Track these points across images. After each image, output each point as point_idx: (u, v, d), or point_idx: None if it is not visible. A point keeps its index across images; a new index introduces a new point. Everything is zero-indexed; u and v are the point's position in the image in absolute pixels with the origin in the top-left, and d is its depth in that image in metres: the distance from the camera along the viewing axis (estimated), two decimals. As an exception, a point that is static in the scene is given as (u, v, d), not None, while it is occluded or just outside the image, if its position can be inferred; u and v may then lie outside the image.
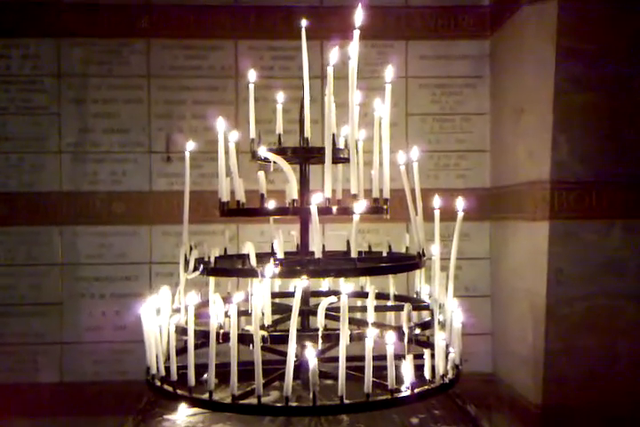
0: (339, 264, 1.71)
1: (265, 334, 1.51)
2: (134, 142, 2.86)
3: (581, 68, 2.29)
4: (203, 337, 1.58)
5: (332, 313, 1.64)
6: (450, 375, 1.67)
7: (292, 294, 2.06)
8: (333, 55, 1.63)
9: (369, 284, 2.09)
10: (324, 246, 2.18)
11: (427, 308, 1.84)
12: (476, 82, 2.93)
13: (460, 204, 1.78)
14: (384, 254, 2.00)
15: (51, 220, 2.83)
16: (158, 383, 1.64)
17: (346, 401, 1.46)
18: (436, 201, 1.80)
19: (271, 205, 1.69)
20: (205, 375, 1.66)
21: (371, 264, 1.80)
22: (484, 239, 2.94)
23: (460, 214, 1.79)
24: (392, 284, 2.04)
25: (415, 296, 2.00)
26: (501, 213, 2.81)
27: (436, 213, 1.80)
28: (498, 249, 2.88)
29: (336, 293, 1.85)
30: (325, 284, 2.19)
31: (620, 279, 2.33)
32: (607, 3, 2.32)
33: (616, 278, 2.33)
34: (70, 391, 2.82)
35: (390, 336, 1.50)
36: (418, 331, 1.70)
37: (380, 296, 2.03)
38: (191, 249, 1.79)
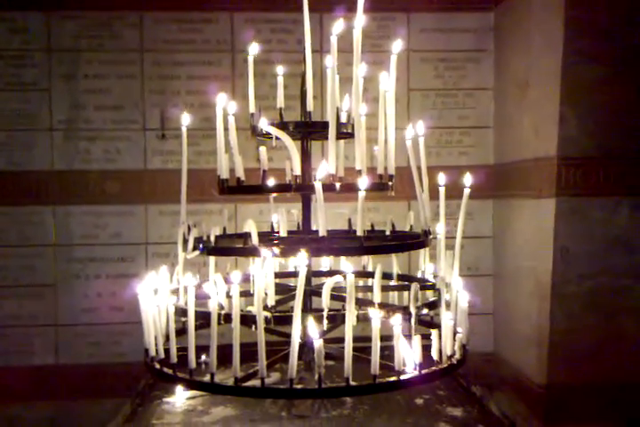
0: (343, 243, 1.66)
1: (268, 314, 1.46)
2: (128, 119, 2.79)
3: (591, 40, 2.22)
4: (202, 318, 1.54)
5: (334, 293, 1.60)
6: (457, 356, 1.64)
7: (291, 274, 2.03)
8: (337, 24, 1.57)
9: (371, 263, 2.05)
10: (325, 225, 2.14)
11: (432, 287, 1.80)
12: (479, 56, 2.86)
13: (468, 180, 1.75)
14: (387, 233, 1.95)
15: (43, 199, 2.76)
16: (158, 366, 1.60)
17: (352, 383, 1.43)
18: (441, 178, 1.76)
19: (272, 182, 1.62)
20: (203, 357, 1.62)
21: (376, 243, 1.75)
22: (486, 218, 2.90)
23: (467, 191, 1.76)
24: (395, 263, 2.00)
25: (419, 276, 1.96)
26: (505, 191, 2.76)
27: (442, 191, 1.77)
28: (501, 227, 2.83)
29: (338, 272, 1.81)
30: (326, 264, 2.15)
31: (626, 257, 2.30)
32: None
33: (623, 256, 2.30)
34: (66, 374, 2.78)
35: (397, 317, 1.46)
36: (425, 311, 1.67)
37: (383, 276, 1.99)
38: (190, 228, 1.73)
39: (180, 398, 1.85)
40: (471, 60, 2.86)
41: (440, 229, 1.77)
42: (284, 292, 1.81)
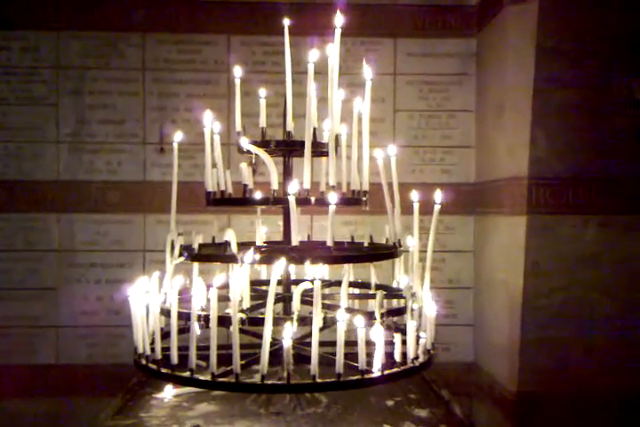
0: (315, 252, 1.79)
1: (243, 316, 1.60)
2: (129, 133, 2.93)
3: (560, 66, 2.35)
4: (186, 319, 1.67)
5: (310, 299, 1.73)
6: (420, 359, 1.76)
7: (277, 282, 2.15)
8: (313, 53, 1.72)
9: (351, 273, 2.18)
10: (309, 236, 2.29)
11: (400, 296, 1.92)
12: (462, 79, 2.99)
13: (438, 196, 1.86)
14: (365, 245, 2.08)
15: (48, 207, 2.91)
16: (144, 362, 1.73)
17: (318, 380, 1.55)
18: (414, 195, 1.87)
19: (257, 195, 1.77)
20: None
21: (347, 253, 1.88)
22: (468, 233, 3.00)
23: (437, 207, 1.86)
24: (373, 273, 2.12)
25: (395, 286, 2.09)
26: (484, 208, 2.87)
27: (415, 206, 1.88)
28: (481, 242, 2.95)
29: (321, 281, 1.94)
30: (310, 272, 2.27)
31: (594, 272, 2.40)
32: (587, 4, 2.38)
33: (591, 272, 2.40)
34: (65, 373, 2.91)
35: (360, 320, 1.59)
36: (394, 318, 1.79)
37: (362, 285, 2.13)
38: (178, 236, 1.88)
39: (168, 395, 1.99)
40: (454, 83, 2.98)
41: (412, 242, 1.91)
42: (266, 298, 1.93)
